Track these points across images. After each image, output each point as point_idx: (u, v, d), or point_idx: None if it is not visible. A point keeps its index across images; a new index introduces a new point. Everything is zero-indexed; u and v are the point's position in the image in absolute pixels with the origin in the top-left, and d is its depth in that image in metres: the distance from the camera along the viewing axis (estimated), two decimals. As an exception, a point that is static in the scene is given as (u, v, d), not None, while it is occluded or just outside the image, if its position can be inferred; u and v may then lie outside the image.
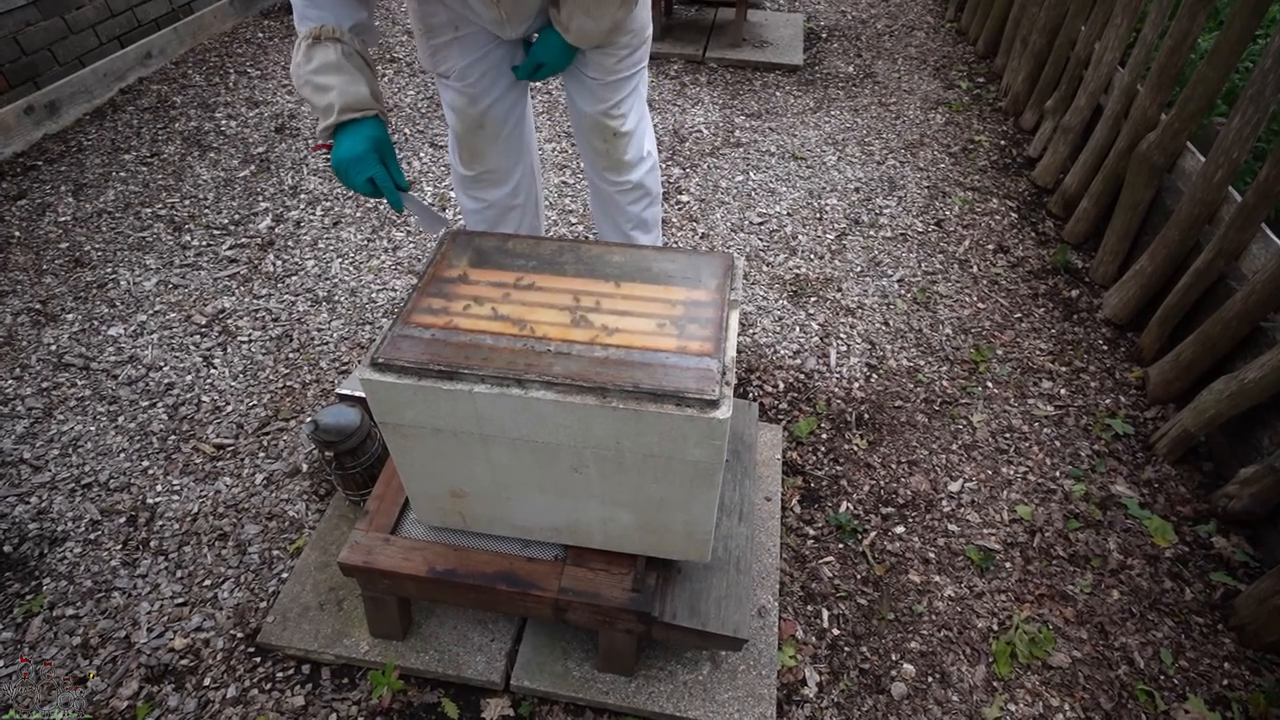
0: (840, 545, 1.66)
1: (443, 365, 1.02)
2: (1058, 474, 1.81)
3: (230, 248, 2.46)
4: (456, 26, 1.41)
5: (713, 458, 1.02)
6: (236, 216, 2.60)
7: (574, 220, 2.62)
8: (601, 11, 1.32)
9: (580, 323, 1.07)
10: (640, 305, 1.10)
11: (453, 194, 2.65)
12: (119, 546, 1.62)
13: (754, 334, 2.19)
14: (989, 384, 2.04)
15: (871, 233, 2.59)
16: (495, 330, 1.06)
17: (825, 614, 1.53)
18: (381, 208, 2.65)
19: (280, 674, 1.41)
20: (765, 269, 2.43)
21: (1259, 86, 1.72)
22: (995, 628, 1.52)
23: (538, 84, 3.43)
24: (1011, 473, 1.82)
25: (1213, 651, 1.48)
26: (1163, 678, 1.45)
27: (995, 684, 1.43)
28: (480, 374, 1.01)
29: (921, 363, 2.11)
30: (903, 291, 2.35)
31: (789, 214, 2.67)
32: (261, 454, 1.81)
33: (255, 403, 1.94)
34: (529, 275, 1.15)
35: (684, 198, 2.74)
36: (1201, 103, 1.99)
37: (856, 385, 2.03)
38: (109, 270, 2.36)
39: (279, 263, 2.40)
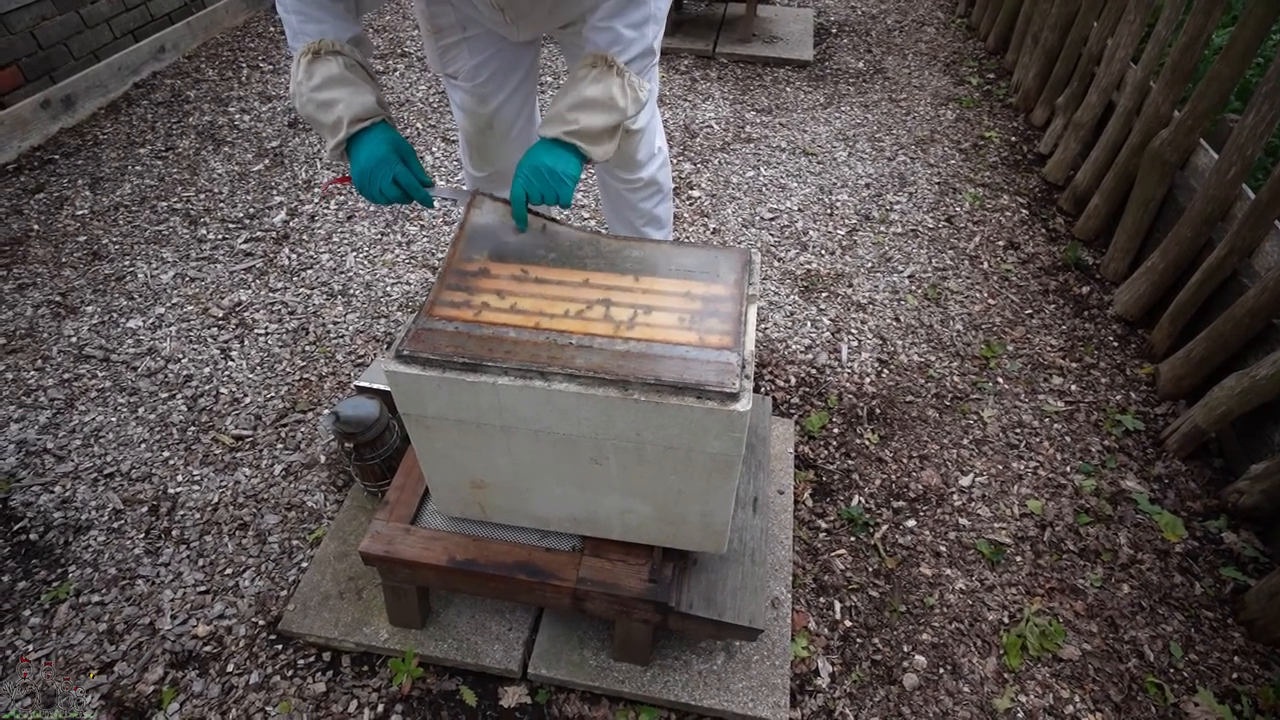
0: (852, 538, 1.68)
1: (466, 358, 1.04)
2: (1068, 469, 1.83)
3: (245, 241, 2.48)
4: (464, 27, 1.41)
5: (732, 450, 1.04)
6: (251, 210, 2.62)
7: (585, 215, 2.64)
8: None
9: (601, 316, 1.09)
10: (660, 299, 1.12)
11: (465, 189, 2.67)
12: (142, 535, 1.64)
13: (766, 329, 2.20)
14: (999, 379, 2.05)
15: (882, 229, 2.60)
16: (517, 323, 1.08)
17: (838, 606, 1.55)
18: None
19: (301, 661, 1.43)
20: (777, 264, 2.44)
21: (1274, 83, 1.72)
22: (1006, 620, 1.53)
23: (548, 79, 3.44)
24: (1022, 468, 1.83)
25: (1222, 645, 1.50)
26: (1172, 670, 1.46)
27: (1006, 675, 1.45)
28: (504, 366, 1.03)
29: (932, 358, 2.12)
30: (913, 287, 2.36)
31: (800, 209, 2.68)
32: (280, 445, 1.84)
33: (273, 395, 1.97)
34: (550, 269, 1.17)
35: (695, 193, 2.76)
36: (1215, 99, 1.99)
37: (868, 380, 2.05)
38: (127, 263, 2.38)
39: (294, 256, 2.43)
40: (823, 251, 2.50)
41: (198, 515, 1.68)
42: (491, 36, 1.44)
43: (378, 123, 1.18)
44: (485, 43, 1.44)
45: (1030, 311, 2.27)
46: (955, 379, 2.06)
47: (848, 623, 1.53)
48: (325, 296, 2.27)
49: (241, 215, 2.60)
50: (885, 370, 2.08)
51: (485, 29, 1.42)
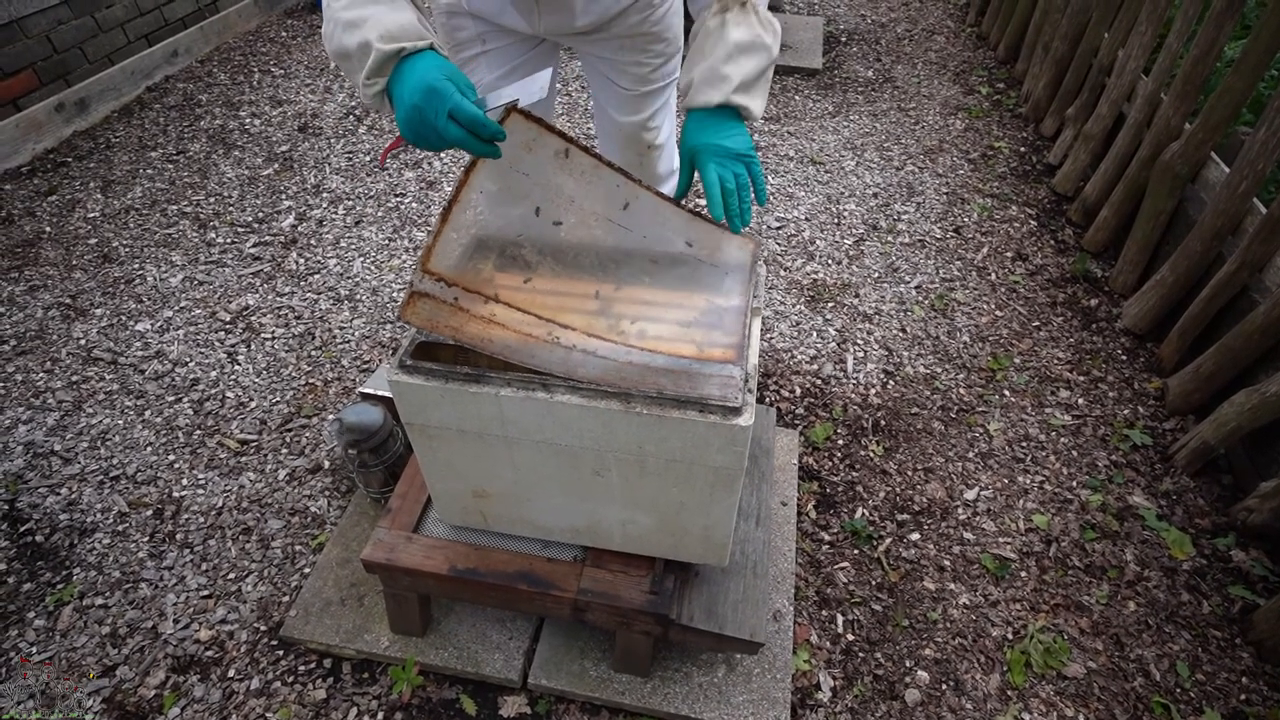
0: (855, 551, 1.67)
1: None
2: (1075, 484, 1.81)
3: (254, 245, 2.50)
4: (484, 41, 1.40)
5: (734, 463, 1.04)
6: (260, 214, 2.64)
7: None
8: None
9: (605, 328, 1.09)
10: (664, 311, 1.12)
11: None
12: (146, 538, 1.65)
13: (771, 339, 2.19)
14: (1006, 392, 2.04)
15: (889, 239, 2.59)
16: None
17: (840, 619, 1.54)
18: (403, 207, 2.68)
19: (302, 667, 1.44)
20: (783, 274, 2.44)
21: (1286, 98, 1.71)
22: (1010, 636, 1.52)
23: (557, 87, 3.45)
24: (1028, 482, 1.82)
25: (1230, 666, 1.48)
26: (1179, 691, 1.44)
27: (1009, 693, 1.44)
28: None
29: (938, 370, 2.11)
30: (920, 298, 2.35)
31: (807, 219, 2.68)
32: (284, 450, 1.84)
33: (278, 399, 1.97)
34: (553, 280, 1.17)
35: (702, 201, 2.75)
36: (1227, 112, 1.97)
37: (873, 391, 2.04)
38: (136, 266, 2.40)
39: (302, 261, 2.44)
40: (829, 261, 2.49)
41: (202, 519, 1.69)
42: (511, 50, 1.41)
43: (423, 49, 0.93)
44: (504, 56, 1.42)
45: (1038, 324, 2.26)
46: (961, 391, 2.05)
47: (850, 636, 1.52)
48: (332, 301, 2.28)
49: (250, 219, 2.62)
50: (891, 382, 2.07)
51: (505, 43, 1.40)
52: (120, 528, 1.67)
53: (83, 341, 2.13)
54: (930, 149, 3.06)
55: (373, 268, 2.42)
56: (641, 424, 1.01)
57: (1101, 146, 2.60)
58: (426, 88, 0.89)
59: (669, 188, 1.65)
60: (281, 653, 1.46)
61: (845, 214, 2.70)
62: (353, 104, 3.29)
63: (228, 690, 1.40)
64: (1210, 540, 1.68)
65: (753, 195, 1.06)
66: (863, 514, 1.74)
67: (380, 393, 1.65)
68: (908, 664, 1.48)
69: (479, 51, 1.41)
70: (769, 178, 2.88)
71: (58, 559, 1.61)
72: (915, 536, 1.70)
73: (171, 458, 1.82)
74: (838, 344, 2.18)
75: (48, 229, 2.54)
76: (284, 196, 2.73)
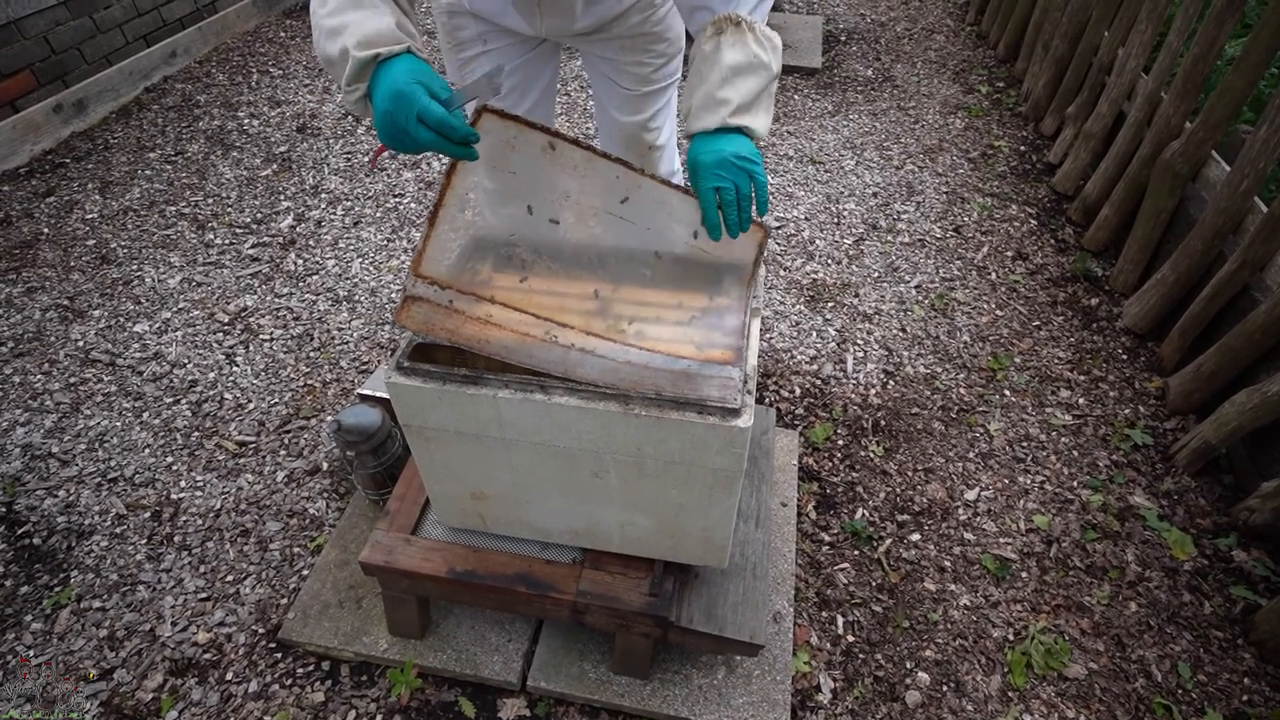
0: (855, 552, 1.66)
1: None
2: (1075, 484, 1.81)
3: (252, 246, 2.49)
4: (485, 40, 1.39)
5: (733, 465, 1.03)
6: (259, 215, 2.63)
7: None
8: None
9: (603, 328, 1.08)
10: (663, 312, 1.11)
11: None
12: (144, 541, 1.65)
13: (771, 339, 2.19)
14: (1006, 392, 2.04)
15: (889, 238, 2.59)
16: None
17: (840, 620, 1.54)
18: (402, 207, 2.68)
19: (300, 670, 1.43)
20: (783, 274, 2.43)
21: (1287, 96, 1.70)
22: (1011, 638, 1.52)
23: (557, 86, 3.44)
24: (1028, 482, 1.81)
25: (1232, 666, 1.47)
26: (1180, 692, 1.44)
27: (1010, 694, 1.43)
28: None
29: (939, 370, 2.10)
30: (920, 298, 2.34)
31: (806, 218, 2.67)
32: (283, 452, 1.84)
33: (277, 401, 1.97)
34: (551, 280, 1.16)
35: (701, 201, 2.75)
36: (1227, 111, 1.97)
37: (873, 392, 2.03)
38: (134, 267, 2.39)
39: (300, 262, 2.43)
40: (829, 261, 2.49)
41: (200, 521, 1.69)
42: (512, 50, 1.41)
43: (399, 53, 0.92)
44: (505, 57, 1.41)
45: (1038, 323, 2.25)
46: (962, 391, 2.04)
47: (850, 638, 1.51)
48: (330, 302, 2.28)
49: (249, 220, 2.61)
50: (891, 382, 2.06)
51: (506, 43, 1.39)
52: (118, 530, 1.66)
53: (80, 343, 2.13)
54: (930, 148, 3.06)
55: (371, 268, 2.41)
56: (640, 426, 1.01)
57: (1102, 145, 2.59)
58: (395, 92, 0.89)
59: None
60: (280, 655, 1.45)
61: (845, 213, 2.70)
62: (351, 104, 3.28)
63: (226, 693, 1.40)
64: (1212, 540, 1.68)
65: (754, 204, 1.04)
66: (863, 515, 1.73)
67: (378, 394, 1.65)
68: (908, 665, 1.47)
69: (480, 51, 1.40)
70: (768, 177, 2.87)
71: (55, 561, 1.60)
72: (915, 537, 1.69)
73: (169, 460, 1.82)
74: (837, 344, 2.18)
75: (45, 230, 2.53)
76: (282, 197, 2.72)
